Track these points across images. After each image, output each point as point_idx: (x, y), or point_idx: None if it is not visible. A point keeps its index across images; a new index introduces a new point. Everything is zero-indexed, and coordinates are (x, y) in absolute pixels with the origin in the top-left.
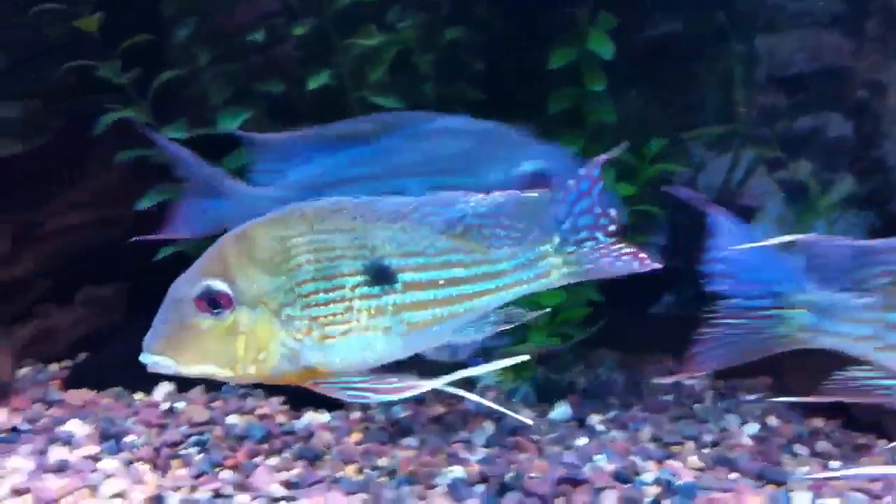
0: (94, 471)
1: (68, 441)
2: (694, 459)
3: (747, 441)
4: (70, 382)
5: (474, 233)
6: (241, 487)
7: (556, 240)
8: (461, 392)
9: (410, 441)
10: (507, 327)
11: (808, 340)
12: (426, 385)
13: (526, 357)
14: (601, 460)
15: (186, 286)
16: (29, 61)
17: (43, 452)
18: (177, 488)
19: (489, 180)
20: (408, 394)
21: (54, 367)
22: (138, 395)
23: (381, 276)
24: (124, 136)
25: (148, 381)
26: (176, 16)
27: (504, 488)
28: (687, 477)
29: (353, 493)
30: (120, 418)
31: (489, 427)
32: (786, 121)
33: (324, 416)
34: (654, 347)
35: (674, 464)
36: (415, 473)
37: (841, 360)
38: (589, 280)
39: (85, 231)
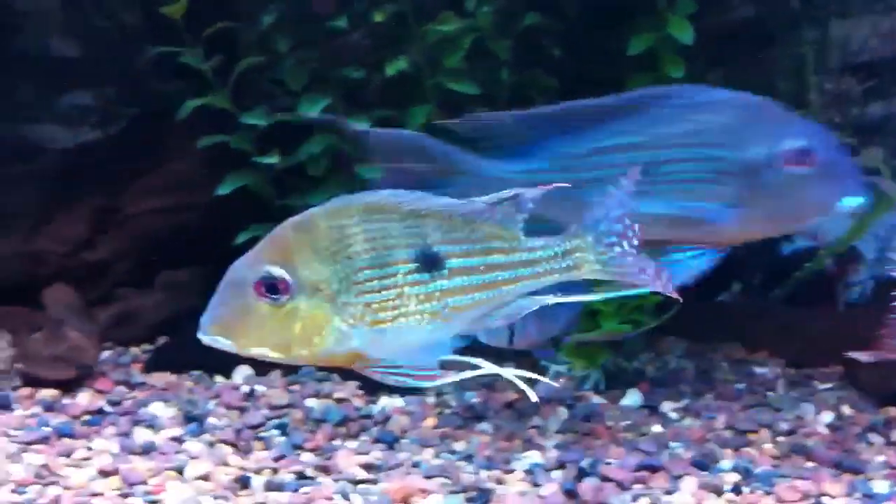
0: (178, 452)
1: (152, 423)
2: (770, 447)
3: (822, 430)
4: (150, 365)
5: (514, 222)
6: (323, 469)
7: (590, 238)
8: (474, 361)
9: (485, 426)
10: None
11: None
12: (461, 375)
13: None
14: (677, 447)
15: (246, 270)
16: (104, 48)
17: (127, 434)
18: (259, 470)
19: (751, 155)
20: (441, 381)
21: (135, 350)
22: (218, 378)
23: (430, 263)
24: (202, 122)
25: (227, 364)
26: (254, 2)
27: (582, 474)
28: (764, 465)
29: (433, 477)
30: (202, 401)
31: (563, 413)
32: (858, 107)
33: (398, 401)
34: (722, 335)
35: (751, 451)
36: (492, 458)
37: None
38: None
39: (163, 216)
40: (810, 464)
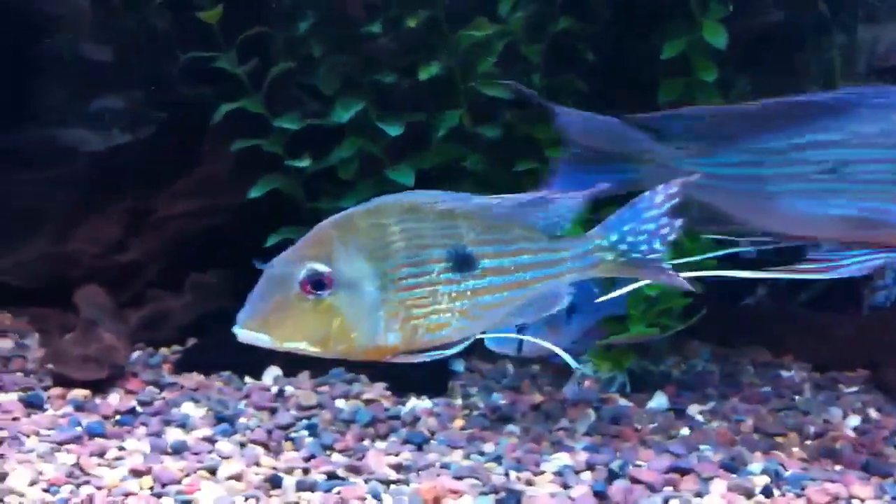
0: (210, 452)
1: (183, 423)
2: (798, 451)
3: (850, 433)
4: (180, 366)
5: (542, 223)
6: (354, 470)
7: (614, 237)
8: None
9: (512, 428)
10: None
11: None
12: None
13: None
14: (706, 450)
15: (289, 267)
16: (136, 53)
17: (159, 434)
18: (291, 470)
19: None
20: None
21: (164, 351)
22: (248, 379)
23: (464, 263)
24: (233, 126)
25: (257, 365)
26: (285, 8)
27: (611, 475)
28: (794, 468)
29: (463, 478)
30: (232, 401)
31: (590, 415)
32: None
33: (426, 402)
34: (748, 339)
35: (779, 454)
36: (521, 460)
37: None
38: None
39: (195, 218)
40: (838, 467)
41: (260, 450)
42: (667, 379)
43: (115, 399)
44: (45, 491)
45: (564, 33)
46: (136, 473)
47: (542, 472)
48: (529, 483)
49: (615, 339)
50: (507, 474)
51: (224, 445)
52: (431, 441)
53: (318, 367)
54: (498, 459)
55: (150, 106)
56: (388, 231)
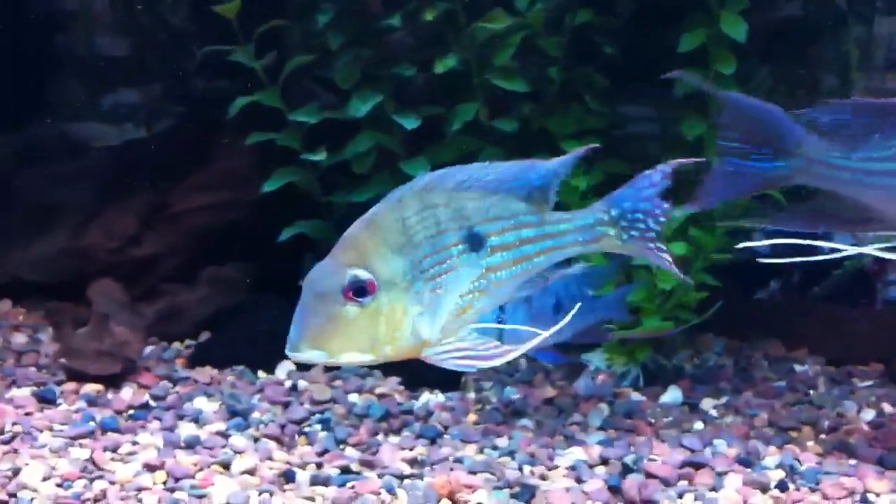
0: (223, 447)
1: (196, 418)
2: (813, 445)
3: (864, 427)
4: (193, 361)
5: (537, 193)
6: (368, 464)
7: (614, 212)
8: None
9: (525, 422)
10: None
11: None
12: (519, 350)
13: None
14: (721, 444)
15: (330, 278)
16: (151, 47)
17: (172, 429)
18: (304, 465)
19: None
20: (505, 359)
21: (178, 345)
22: (261, 374)
23: (475, 243)
24: (250, 120)
25: (270, 359)
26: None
27: (626, 470)
28: (809, 462)
29: (477, 473)
30: (245, 396)
31: (603, 410)
32: None
33: (439, 397)
34: (761, 333)
35: (794, 448)
36: (534, 454)
37: None
38: (702, 264)
39: (210, 212)
40: (853, 461)
41: (273, 444)
42: (680, 373)
43: (128, 394)
44: (59, 486)
45: (583, 27)
46: (150, 468)
47: (556, 467)
48: (543, 477)
49: (629, 334)
50: (520, 469)
51: (237, 440)
52: (445, 435)
53: None
54: (511, 454)
55: (167, 100)
56: (411, 223)
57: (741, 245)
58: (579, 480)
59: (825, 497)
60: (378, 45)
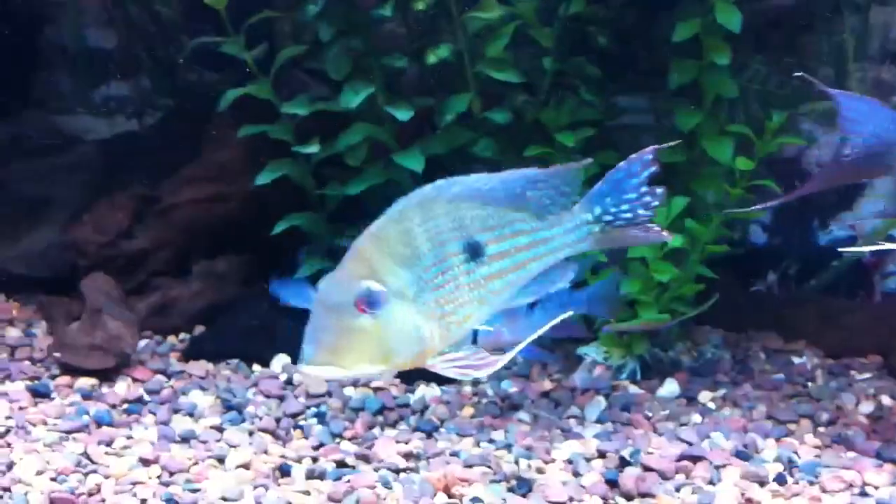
0: (218, 441)
1: (191, 412)
2: (811, 438)
3: (863, 420)
4: (188, 354)
5: (533, 203)
6: (363, 458)
7: (598, 210)
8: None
9: (522, 415)
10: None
11: None
12: (508, 356)
13: None
14: (719, 437)
15: (342, 291)
16: (141, 39)
17: (167, 423)
18: (300, 458)
19: None
20: (497, 366)
21: (172, 339)
22: (256, 367)
23: (474, 252)
24: (242, 112)
25: (265, 353)
26: None
27: (623, 463)
28: (807, 455)
29: (473, 466)
30: (240, 389)
31: (600, 403)
32: None
33: (435, 390)
34: (759, 325)
35: (792, 441)
36: (531, 447)
37: None
38: (699, 256)
39: (203, 205)
40: (852, 454)
41: (269, 438)
42: (677, 366)
43: (122, 388)
44: (53, 480)
45: (577, 17)
46: (144, 462)
47: (553, 460)
48: (540, 471)
49: (625, 326)
50: (517, 462)
51: (232, 434)
52: (441, 429)
53: None
54: (508, 447)
55: (157, 93)
56: (415, 234)
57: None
58: (576, 474)
59: (823, 490)
60: (370, 35)
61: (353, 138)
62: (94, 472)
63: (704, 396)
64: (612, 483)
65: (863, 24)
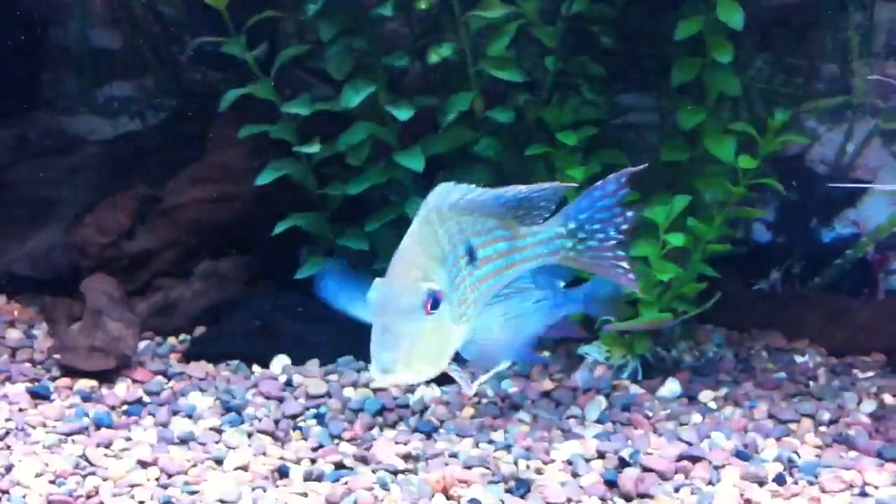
0: (217, 442)
1: (190, 413)
2: (812, 437)
3: (864, 419)
4: (188, 356)
5: (511, 213)
6: (362, 459)
7: (572, 225)
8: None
9: (522, 416)
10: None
11: None
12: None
13: None
14: (719, 437)
15: (410, 295)
16: (144, 40)
17: (166, 425)
18: (299, 460)
19: None
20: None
21: (172, 340)
22: (256, 368)
23: (472, 256)
24: (244, 112)
25: (265, 354)
26: None
27: (622, 464)
28: (808, 455)
29: (472, 467)
30: (240, 391)
31: (601, 402)
32: None
33: (436, 391)
34: (762, 324)
35: (793, 441)
36: (531, 448)
37: None
38: (701, 255)
39: (205, 206)
40: (853, 453)
41: (268, 439)
42: (679, 365)
43: (122, 389)
44: (52, 483)
45: (579, 16)
46: (143, 464)
47: (553, 461)
48: (539, 472)
49: (626, 326)
50: (516, 463)
51: (231, 435)
52: (440, 430)
53: (326, 355)
54: (508, 448)
55: (161, 93)
56: (440, 236)
57: None
58: (575, 474)
59: (823, 490)
60: (371, 34)
61: (354, 138)
62: (93, 474)
63: (706, 396)
64: (611, 484)
65: (868, 20)
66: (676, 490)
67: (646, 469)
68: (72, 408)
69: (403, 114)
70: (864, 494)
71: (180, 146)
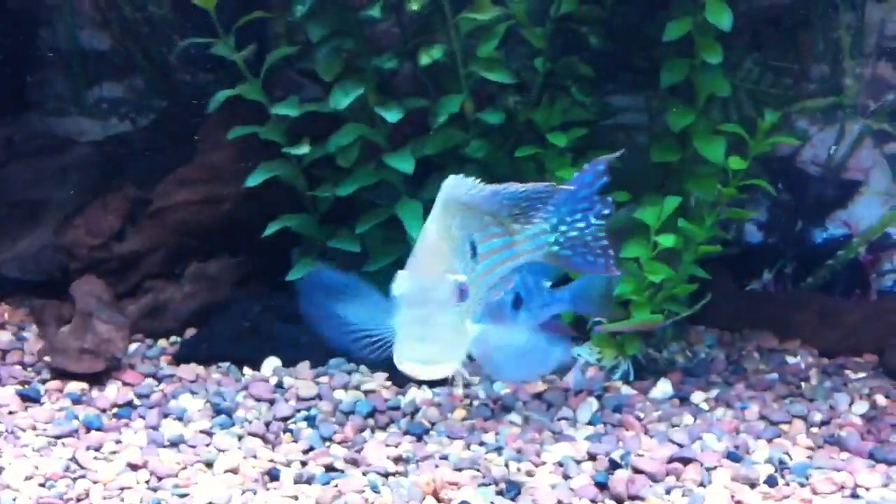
0: (207, 445)
1: (181, 416)
2: (804, 438)
3: (856, 420)
4: (178, 358)
5: (507, 211)
6: (353, 462)
7: (554, 220)
8: None
9: (514, 417)
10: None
11: None
12: None
13: None
14: (710, 439)
15: (441, 287)
16: (134, 41)
17: (156, 427)
18: (289, 463)
19: None
20: None
21: (163, 342)
22: (247, 370)
23: (474, 251)
24: (234, 113)
25: (255, 356)
26: None
27: (613, 465)
28: (799, 456)
29: (462, 469)
30: (230, 393)
31: (592, 404)
32: (893, 92)
33: (427, 393)
34: (754, 325)
35: (784, 443)
36: (522, 450)
37: None
38: (692, 257)
39: (195, 207)
40: (844, 455)
41: (258, 442)
42: (671, 366)
43: (112, 392)
44: (41, 486)
45: (568, 17)
46: (133, 467)
47: (543, 463)
48: (530, 474)
49: (618, 327)
50: (507, 465)
51: (222, 438)
52: (431, 432)
53: (317, 357)
54: (499, 450)
55: (151, 94)
56: (454, 230)
57: None
58: (566, 476)
59: (814, 492)
60: (361, 36)
61: (343, 139)
62: (83, 477)
63: (697, 397)
64: (602, 486)
65: (859, 20)
66: (668, 492)
67: (637, 471)
68: (62, 410)
69: (392, 115)
70: (855, 496)
71: (170, 147)
